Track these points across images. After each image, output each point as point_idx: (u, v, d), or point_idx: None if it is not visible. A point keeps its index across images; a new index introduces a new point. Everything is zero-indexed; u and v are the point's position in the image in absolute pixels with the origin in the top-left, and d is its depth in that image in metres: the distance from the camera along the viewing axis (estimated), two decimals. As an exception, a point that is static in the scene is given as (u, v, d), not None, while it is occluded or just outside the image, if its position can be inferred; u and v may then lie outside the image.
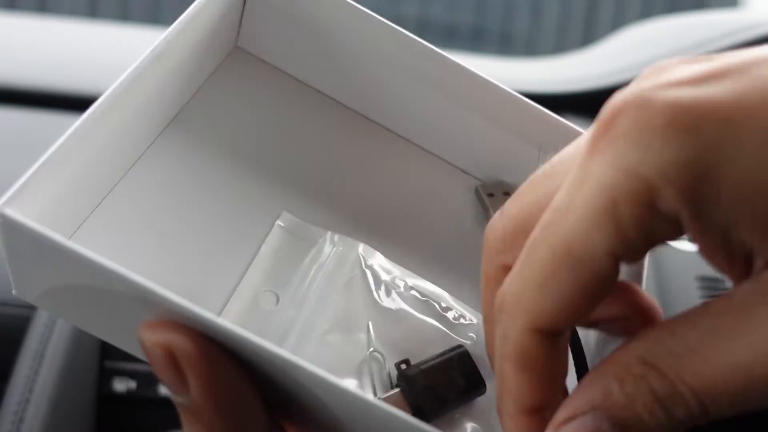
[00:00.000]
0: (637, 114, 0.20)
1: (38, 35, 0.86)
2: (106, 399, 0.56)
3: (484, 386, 0.33)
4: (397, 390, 0.32)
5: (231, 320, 0.31)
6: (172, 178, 0.34)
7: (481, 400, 0.33)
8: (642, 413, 0.21)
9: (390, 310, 0.34)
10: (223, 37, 0.37)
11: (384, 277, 0.35)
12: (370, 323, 0.33)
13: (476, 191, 0.38)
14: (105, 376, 0.57)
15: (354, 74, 0.37)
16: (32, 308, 0.57)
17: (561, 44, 2.04)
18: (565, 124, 0.36)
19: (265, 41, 0.38)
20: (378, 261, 0.35)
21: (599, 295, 0.22)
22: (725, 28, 0.76)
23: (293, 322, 0.32)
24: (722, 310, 0.21)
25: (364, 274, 0.34)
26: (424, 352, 0.33)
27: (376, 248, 0.35)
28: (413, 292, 0.35)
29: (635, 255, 0.21)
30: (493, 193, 0.39)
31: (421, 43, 0.35)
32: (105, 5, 1.92)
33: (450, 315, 0.35)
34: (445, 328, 0.34)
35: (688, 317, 0.22)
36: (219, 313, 0.31)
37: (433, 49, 0.35)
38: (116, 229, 0.32)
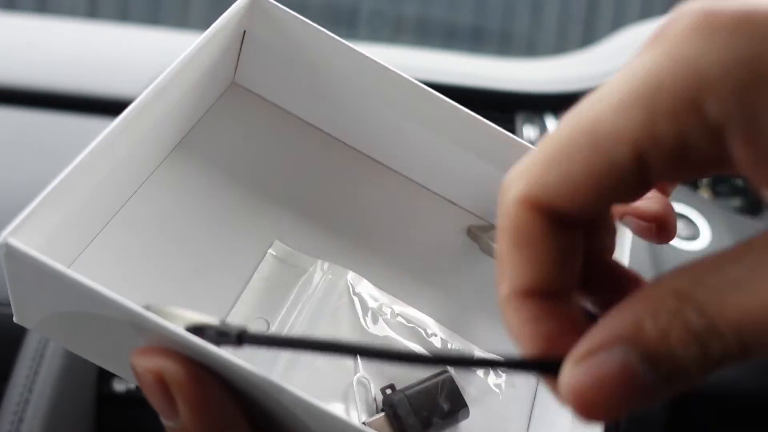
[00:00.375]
0: (700, 13, 0.18)
1: (38, 35, 0.86)
2: (105, 399, 0.56)
3: (468, 410, 0.33)
4: (381, 414, 0.33)
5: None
6: (170, 208, 0.35)
7: (465, 424, 0.34)
8: (676, 347, 0.20)
9: (377, 336, 0.35)
10: (222, 73, 0.38)
11: (371, 304, 0.36)
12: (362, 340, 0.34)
13: (469, 232, 0.39)
14: (104, 376, 0.57)
15: (345, 109, 0.39)
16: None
17: (561, 44, 2.04)
18: None
19: (261, 78, 0.39)
20: (366, 288, 0.36)
21: (608, 189, 0.20)
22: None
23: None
24: (759, 245, 0.19)
25: (352, 302, 0.35)
26: (409, 378, 0.34)
27: (365, 275, 0.37)
28: (399, 318, 0.36)
29: (659, 160, 0.19)
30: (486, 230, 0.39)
31: (408, 80, 0.36)
32: (104, 5, 1.92)
33: (435, 340, 0.36)
34: (430, 350, 0.35)
35: (730, 253, 0.20)
36: None
37: (420, 86, 0.36)
38: (115, 257, 0.33)
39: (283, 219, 0.37)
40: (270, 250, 0.36)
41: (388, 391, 0.33)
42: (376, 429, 0.31)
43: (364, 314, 0.35)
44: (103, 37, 0.88)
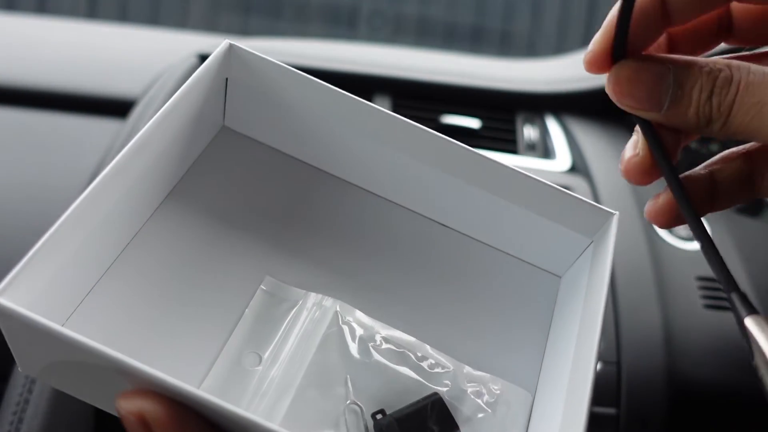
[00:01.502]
0: None
1: (38, 35, 0.86)
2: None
3: (458, 431, 0.33)
4: None
5: (216, 381, 0.34)
6: (164, 255, 0.37)
7: None
8: (695, 90, 0.28)
9: (367, 363, 0.35)
10: (210, 118, 0.40)
11: (360, 331, 0.36)
12: (348, 377, 0.35)
13: None
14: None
15: (328, 142, 0.40)
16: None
17: (561, 44, 2.04)
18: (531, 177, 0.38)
19: (248, 120, 0.41)
20: (355, 316, 0.37)
21: None
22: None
23: (273, 380, 0.34)
24: None
25: (341, 330, 0.36)
26: (401, 402, 0.34)
27: (357, 302, 0.37)
28: (389, 344, 0.36)
29: None
30: None
31: (383, 111, 0.38)
32: (104, 6, 1.92)
33: (425, 364, 0.36)
34: (420, 378, 0.35)
35: None
36: (206, 375, 0.34)
37: (394, 116, 0.38)
38: (110, 307, 0.35)
39: (275, 256, 0.38)
40: (261, 286, 0.37)
41: (379, 416, 0.34)
42: None
43: (354, 342, 0.36)
44: (103, 38, 0.89)
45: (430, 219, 0.41)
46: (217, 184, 0.40)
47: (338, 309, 0.37)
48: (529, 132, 0.79)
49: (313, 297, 0.37)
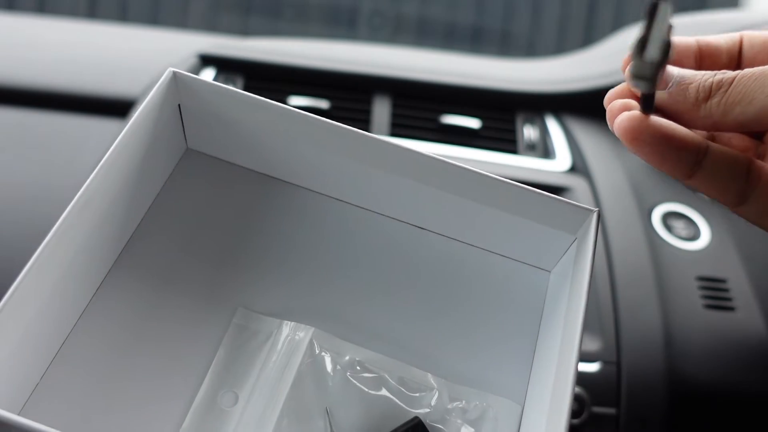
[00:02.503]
0: None
1: (38, 35, 0.86)
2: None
3: None
4: None
5: (193, 425, 0.34)
6: (133, 297, 0.37)
7: None
8: (692, 89, 0.30)
9: (344, 392, 0.35)
10: (171, 143, 0.41)
11: (337, 359, 0.36)
12: (326, 408, 0.34)
13: None
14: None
15: (287, 156, 0.41)
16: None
17: (561, 44, 2.04)
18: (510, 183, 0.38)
19: (209, 141, 0.42)
20: (331, 343, 0.36)
21: None
22: (725, 28, 0.76)
23: (250, 418, 0.34)
24: None
25: (317, 361, 0.36)
26: (382, 428, 0.34)
27: (336, 319, 0.37)
28: (367, 370, 0.36)
29: None
30: None
31: (327, 122, 0.38)
32: (104, 5, 1.92)
33: (405, 387, 0.36)
34: (400, 402, 0.35)
35: None
36: (183, 419, 0.34)
37: (350, 129, 0.38)
38: (81, 360, 0.35)
39: (248, 281, 0.38)
40: (234, 320, 0.37)
41: None
42: None
43: (331, 371, 0.36)
44: (103, 38, 0.88)
45: (411, 224, 0.41)
46: (183, 209, 0.40)
47: (312, 338, 0.36)
48: (529, 132, 0.79)
49: (287, 327, 0.36)
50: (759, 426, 0.60)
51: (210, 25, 1.98)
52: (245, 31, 1.94)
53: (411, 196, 0.39)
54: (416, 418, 0.34)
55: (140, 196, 0.39)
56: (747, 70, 0.30)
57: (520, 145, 0.77)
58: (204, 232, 0.39)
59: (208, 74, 0.76)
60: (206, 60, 0.76)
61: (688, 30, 0.81)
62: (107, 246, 0.37)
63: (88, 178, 0.67)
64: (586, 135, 0.78)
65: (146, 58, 0.80)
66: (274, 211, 0.41)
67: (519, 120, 0.80)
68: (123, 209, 0.37)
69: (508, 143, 0.77)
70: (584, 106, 0.80)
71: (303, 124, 0.38)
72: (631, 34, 0.91)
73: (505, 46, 2.11)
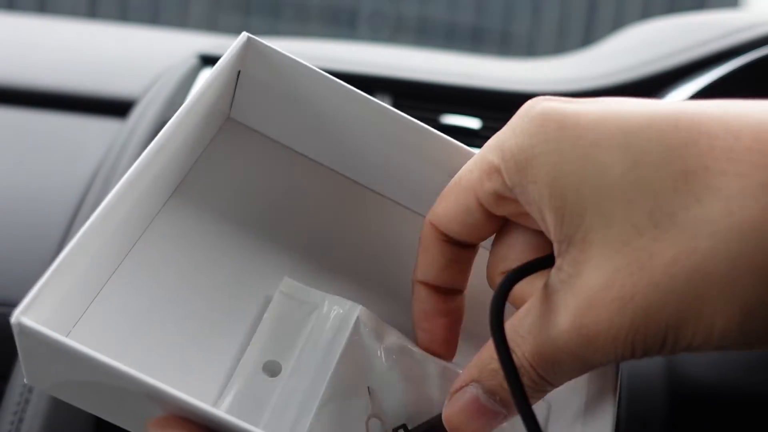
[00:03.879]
0: (530, 109, 0.29)
1: (38, 35, 0.86)
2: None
3: None
4: None
5: (235, 394, 0.33)
6: (171, 258, 0.36)
7: None
8: (503, 382, 0.28)
9: (389, 373, 0.34)
10: (219, 110, 0.39)
11: (383, 339, 0.35)
12: (369, 388, 0.34)
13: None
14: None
15: (338, 141, 0.39)
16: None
17: (561, 44, 2.04)
18: None
19: (255, 112, 0.40)
20: (377, 324, 0.35)
21: (469, 222, 0.31)
22: (725, 28, 0.76)
23: (294, 392, 0.33)
24: (542, 298, 0.28)
25: (363, 339, 0.35)
26: (424, 413, 0.34)
27: (375, 309, 0.36)
28: (413, 355, 0.35)
29: (491, 202, 0.30)
30: None
31: (388, 109, 0.37)
32: (104, 5, 1.92)
33: (450, 375, 0.34)
34: (442, 388, 0.34)
35: (527, 308, 0.29)
36: (224, 387, 0.33)
37: (404, 117, 0.37)
38: (118, 315, 0.33)
39: (287, 257, 0.37)
40: (279, 288, 0.35)
41: (401, 431, 0.33)
42: None
43: (376, 351, 0.34)
44: (103, 38, 0.89)
45: None
46: (222, 181, 0.39)
47: (360, 315, 0.35)
48: (529, 132, 0.79)
49: (334, 301, 0.35)
50: (759, 427, 0.60)
51: (210, 25, 1.98)
52: (245, 31, 1.94)
53: None
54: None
55: (184, 162, 0.38)
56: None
57: (520, 145, 0.77)
58: (240, 202, 0.38)
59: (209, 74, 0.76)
60: (206, 60, 0.76)
61: (688, 31, 0.81)
62: (162, 191, 0.36)
63: (88, 178, 0.66)
64: (586, 135, 0.78)
65: (146, 58, 0.80)
66: (314, 196, 0.40)
67: (519, 120, 0.80)
68: (176, 165, 0.36)
69: (508, 143, 0.77)
70: (584, 106, 0.80)
71: (388, 121, 0.37)
72: (631, 34, 0.91)
73: (505, 46, 2.11)
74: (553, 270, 0.28)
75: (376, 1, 2.00)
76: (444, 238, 0.33)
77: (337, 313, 0.35)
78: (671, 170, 0.25)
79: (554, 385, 0.29)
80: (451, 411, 0.31)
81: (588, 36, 1.97)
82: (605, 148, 0.27)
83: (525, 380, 0.28)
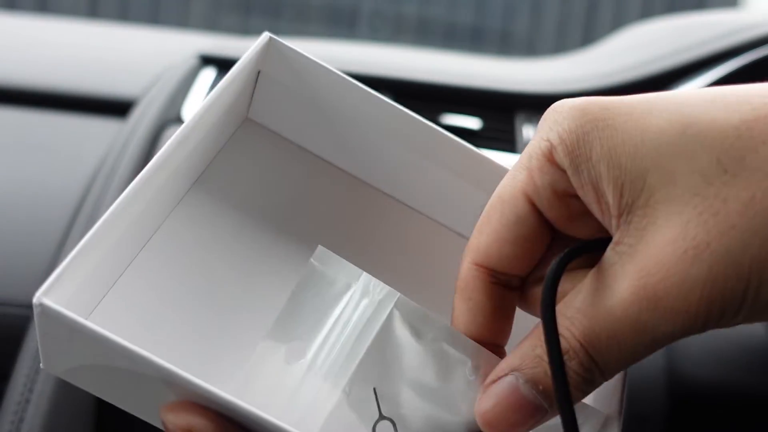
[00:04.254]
0: (564, 105, 0.28)
1: (39, 35, 0.86)
2: (106, 399, 0.56)
3: None
4: None
5: (251, 378, 0.32)
6: (190, 247, 0.36)
7: None
8: (547, 369, 0.26)
9: (423, 368, 0.33)
10: (237, 110, 0.39)
11: (420, 335, 0.33)
12: (374, 389, 0.32)
13: None
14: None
15: (354, 144, 0.39)
16: (32, 308, 0.57)
17: (561, 44, 2.04)
18: None
19: (273, 113, 0.40)
20: (414, 316, 0.33)
21: (520, 235, 0.28)
22: (725, 28, 0.76)
23: (317, 377, 0.32)
24: (594, 275, 0.26)
25: (396, 332, 0.33)
26: (453, 407, 0.32)
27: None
28: (447, 358, 0.33)
29: (544, 200, 0.28)
30: None
31: (408, 114, 0.37)
32: (105, 5, 1.92)
33: (482, 371, 0.32)
34: (474, 385, 0.32)
35: (576, 290, 0.27)
36: (239, 373, 0.32)
37: (421, 121, 0.37)
38: (138, 302, 0.34)
39: (305, 252, 0.36)
40: (312, 258, 0.33)
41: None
42: None
43: (410, 337, 0.33)
44: (103, 38, 0.89)
45: (465, 237, 0.40)
46: (239, 179, 0.39)
47: (398, 305, 0.33)
48: (528, 132, 0.79)
49: (369, 283, 0.33)
50: (759, 426, 0.60)
51: (211, 24, 1.98)
52: (246, 31, 1.94)
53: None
54: None
55: (202, 157, 0.38)
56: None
57: (520, 145, 0.77)
58: (258, 200, 0.38)
59: (209, 74, 0.76)
60: (207, 60, 0.76)
61: (688, 31, 0.81)
62: (182, 184, 0.37)
63: (88, 178, 0.66)
64: (586, 135, 0.78)
65: (146, 58, 0.80)
66: (330, 199, 0.39)
67: (519, 120, 0.80)
68: (196, 159, 0.37)
69: (508, 143, 0.77)
70: (584, 106, 0.81)
71: (407, 126, 0.37)
72: (631, 34, 0.91)
73: (505, 46, 2.11)
74: (610, 247, 0.26)
75: (376, 1, 2.00)
76: (490, 278, 0.29)
77: (372, 299, 0.33)
78: (730, 123, 0.25)
79: (604, 375, 0.26)
80: (485, 405, 0.28)
81: (588, 36, 1.97)
82: (657, 113, 0.26)
83: (573, 365, 0.26)
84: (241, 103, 0.39)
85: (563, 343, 0.26)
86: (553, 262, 0.27)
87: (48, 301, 0.27)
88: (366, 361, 0.32)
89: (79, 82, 0.76)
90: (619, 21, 1.96)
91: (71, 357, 0.30)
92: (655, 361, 0.59)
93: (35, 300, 0.27)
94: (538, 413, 0.27)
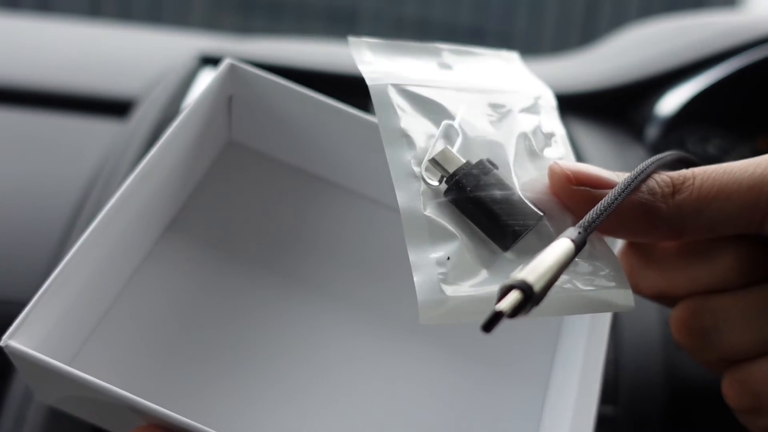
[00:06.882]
0: None
1: (39, 35, 0.86)
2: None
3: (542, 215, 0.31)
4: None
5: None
6: (173, 280, 0.37)
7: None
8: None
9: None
10: (216, 134, 0.40)
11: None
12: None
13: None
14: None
15: (334, 156, 0.40)
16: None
17: (561, 44, 2.04)
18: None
19: (255, 135, 0.41)
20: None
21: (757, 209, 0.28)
22: (724, 28, 0.76)
23: None
24: None
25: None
26: None
27: (372, 312, 0.37)
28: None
29: None
30: None
31: (372, 121, 0.38)
32: (106, 5, 1.92)
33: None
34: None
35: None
36: (233, 401, 0.34)
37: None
38: (119, 340, 0.35)
39: (285, 287, 0.38)
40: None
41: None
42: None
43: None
44: (103, 37, 0.89)
45: None
46: (223, 202, 0.40)
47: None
48: (529, 132, 0.79)
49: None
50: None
51: (211, 24, 1.98)
52: (246, 30, 1.94)
53: None
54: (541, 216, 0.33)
55: (181, 186, 0.39)
56: (712, 166, 0.27)
57: (520, 145, 0.77)
58: (240, 228, 0.40)
59: (209, 75, 0.76)
60: (207, 60, 0.76)
61: (688, 31, 0.81)
62: (159, 216, 0.38)
63: (88, 178, 0.66)
64: (586, 135, 0.78)
65: (146, 58, 0.80)
66: (316, 211, 0.41)
67: (519, 120, 0.80)
68: (170, 191, 0.38)
69: (508, 143, 0.77)
70: (584, 106, 0.80)
71: (366, 130, 0.38)
72: (631, 34, 0.91)
73: (504, 46, 2.11)
74: None
75: (376, 1, 2.00)
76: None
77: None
78: None
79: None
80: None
81: (588, 36, 1.97)
82: None
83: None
84: (218, 126, 0.40)
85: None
86: None
87: (14, 343, 0.28)
88: None
89: (79, 82, 0.76)
90: (619, 21, 1.96)
91: (53, 390, 0.31)
92: (654, 361, 0.59)
93: (1, 343, 0.28)
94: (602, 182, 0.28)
